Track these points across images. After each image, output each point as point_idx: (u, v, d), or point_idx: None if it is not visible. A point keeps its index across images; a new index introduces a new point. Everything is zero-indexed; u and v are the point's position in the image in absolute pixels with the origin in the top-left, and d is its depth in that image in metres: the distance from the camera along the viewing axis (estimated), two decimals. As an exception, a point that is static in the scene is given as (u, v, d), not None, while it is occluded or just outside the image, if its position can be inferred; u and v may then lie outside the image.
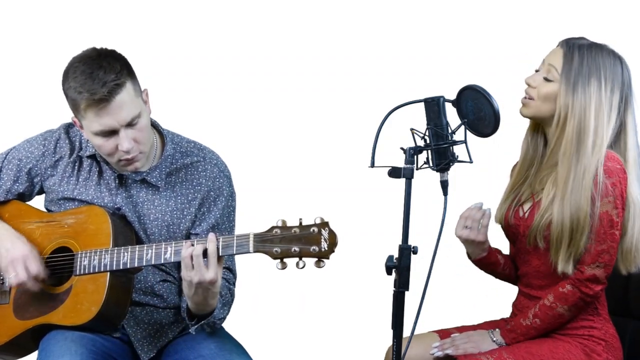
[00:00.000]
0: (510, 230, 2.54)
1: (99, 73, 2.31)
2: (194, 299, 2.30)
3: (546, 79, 2.42)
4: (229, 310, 2.50)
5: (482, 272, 2.72)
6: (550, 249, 2.41)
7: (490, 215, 2.51)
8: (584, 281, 2.38)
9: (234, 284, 2.55)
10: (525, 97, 2.47)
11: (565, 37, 2.47)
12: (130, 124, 2.35)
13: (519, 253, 2.54)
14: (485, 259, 2.58)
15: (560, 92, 2.39)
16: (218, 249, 2.25)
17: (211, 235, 2.26)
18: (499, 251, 2.61)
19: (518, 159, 2.60)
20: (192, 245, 2.26)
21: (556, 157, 2.43)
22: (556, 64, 2.41)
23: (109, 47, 2.41)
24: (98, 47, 2.40)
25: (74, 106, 2.36)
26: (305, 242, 2.17)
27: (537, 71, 2.48)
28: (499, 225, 2.59)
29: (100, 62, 2.33)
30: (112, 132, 2.35)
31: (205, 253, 2.25)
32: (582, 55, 2.39)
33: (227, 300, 2.48)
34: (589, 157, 2.36)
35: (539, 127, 2.53)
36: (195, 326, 2.38)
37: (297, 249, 2.18)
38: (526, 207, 2.50)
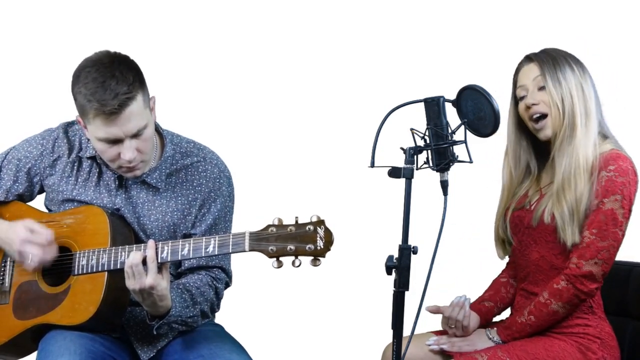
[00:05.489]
0: (513, 223, 2.56)
1: (111, 83, 2.29)
2: (145, 303, 2.33)
3: (540, 89, 2.48)
4: (207, 308, 2.49)
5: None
6: (557, 228, 2.43)
7: (468, 311, 2.53)
8: (580, 277, 2.39)
9: (225, 283, 2.56)
10: (537, 122, 2.49)
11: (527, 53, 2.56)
12: (135, 135, 2.35)
13: (520, 246, 2.56)
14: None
15: (550, 90, 2.45)
16: (158, 255, 2.27)
17: (150, 242, 2.29)
18: (486, 308, 2.60)
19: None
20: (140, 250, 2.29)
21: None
22: (538, 73, 2.48)
23: (123, 52, 2.38)
24: (112, 51, 2.38)
25: (82, 111, 2.35)
26: (301, 241, 2.16)
27: (521, 98, 2.52)
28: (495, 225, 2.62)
29: (113, 71, 2.30)
30: (116, 141, 2.35)
31: (144, 260, 2.27)
32: (548, 55, 2.50)
33: (206, 297, 2.47)
34: (582, 134, 2.42)
35: (519, 152, 2.58)
36: (156, 326, 2.38)
37: (292, 247, 2.17)
38: (533, 200, 2.53)
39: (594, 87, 2.50)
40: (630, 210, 2.39)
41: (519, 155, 2.58)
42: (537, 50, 2.55)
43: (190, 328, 2.49)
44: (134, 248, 2.35)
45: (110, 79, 2.29)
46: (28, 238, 2.40)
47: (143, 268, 2.27)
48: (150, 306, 2.33)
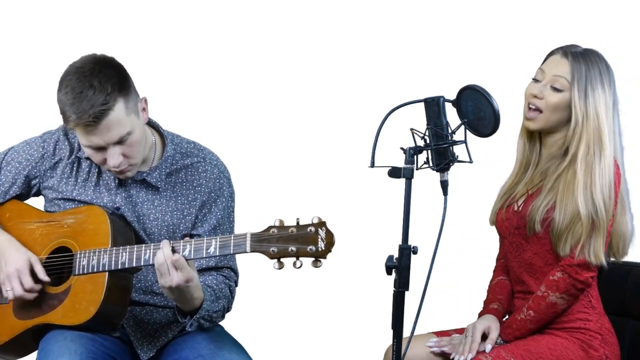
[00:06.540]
0: (503, 225, 2.56)
1: (88, 94, 2.28)
2: (179, 299, 2.31)
3: (554, 89, 2.46)
4: (226, 305, 2.49)
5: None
6: (555, 236, 2.43)
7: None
8: (574, 266, 2.41)
9: (235, 282, 2.56)
10: (530, 111, 2.49)
11: (559, 46, 2.51)
12: (119, 142, 2.34)
13: (510, 248, 2.56)
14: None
15: (575, 99, 2.44)
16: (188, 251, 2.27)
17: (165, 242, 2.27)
18: (498, 311, 2.58)
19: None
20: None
21: (553, 157, 2.50)
22: (564, 74, 2.46)
23: (109, 54, 2.37)
24: (98, 54, 2.37)
25: (63, 119, 2.35)
26: (302, 242, 2.16)
27: (535, 80, 2.50)
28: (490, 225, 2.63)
29: (92, 80, 2.29)
30: (100, 148, 2.35)
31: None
32: (586, 63, 2.47)
33: (225, 294, 2.47)
34: (610, 155, 2.43)
35: (533, 133, 2.55)
36: (190, 322, 2.37)
37: (294, 248, 2.17)
38: (520, 201, 2.53)
39: (614, 103, 2.49)
40: (616, 202, 2.44)
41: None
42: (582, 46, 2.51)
43: (213, 324, 2.49)
44: (135, 249, 2.35)
45: (88, 89, 2.28)
46: (21, 271, 2.40)
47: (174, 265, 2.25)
48: (184, 301, 2.31)
